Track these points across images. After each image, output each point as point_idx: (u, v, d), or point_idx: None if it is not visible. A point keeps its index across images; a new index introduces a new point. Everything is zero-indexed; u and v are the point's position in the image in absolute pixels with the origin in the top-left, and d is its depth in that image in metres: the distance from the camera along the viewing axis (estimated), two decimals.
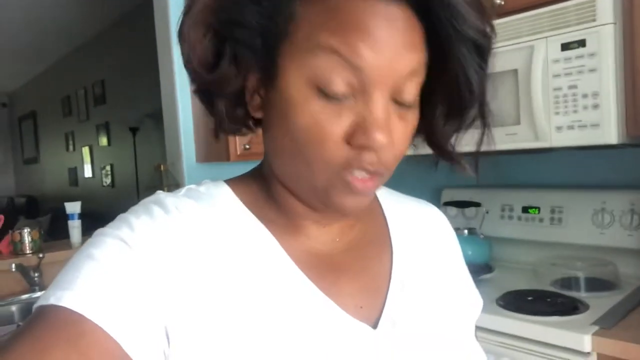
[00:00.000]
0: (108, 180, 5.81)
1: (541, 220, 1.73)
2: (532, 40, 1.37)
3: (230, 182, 0.55)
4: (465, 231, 1.78)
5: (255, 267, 0.48)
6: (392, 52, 0.42)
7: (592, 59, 1.28)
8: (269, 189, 0.53)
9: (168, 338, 0.43)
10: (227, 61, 0.47)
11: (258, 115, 0.50)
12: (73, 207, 2.30)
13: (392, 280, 0.55)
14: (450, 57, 0.45)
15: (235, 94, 0.50)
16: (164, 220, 0.47)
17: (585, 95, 1.30)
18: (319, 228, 0.54)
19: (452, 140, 0.52)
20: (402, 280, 0.55)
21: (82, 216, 2.34)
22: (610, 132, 1.28)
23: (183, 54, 0.49)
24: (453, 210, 1.91)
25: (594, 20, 1.27)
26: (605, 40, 1.26)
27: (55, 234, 3.10)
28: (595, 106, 1.28)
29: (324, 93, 0.43)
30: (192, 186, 0.54)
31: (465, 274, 0.65)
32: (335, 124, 0.43)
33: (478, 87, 0.47)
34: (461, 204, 1.90)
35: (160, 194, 0.51)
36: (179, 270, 0.45)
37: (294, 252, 0.51)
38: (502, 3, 1.46)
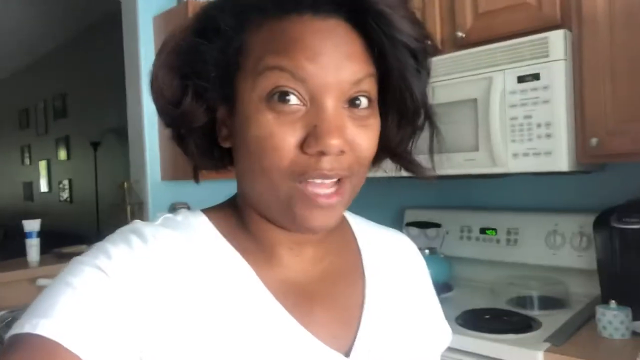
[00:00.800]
0: (65, 195, 5.65)
1: (498, 241, 1.82)
2: (491, 72, 1.46)
3: (207, 211, 0.56)
4: (427, 251, 1.83)
5: (232, 296, 0.49)
6: (333, 63, 0.45)
7: (545, 92, 1.37)
8: (244, 219, 0.55)
9: None
10: (190, 96, 0.50)
11: (226, 144, 0.52)
12: (31, 225, 2.23)
13: (364, 310, 0.56)
14: (390, 64, 0.48)
15: (204, 131, 0.53)
16: (142, 250, 0.48)
17: (539, 125, 1.39)
18: (293, 256, 0.55)
19: (408, 146, 0.56)
20: (375, 310, 0.57)
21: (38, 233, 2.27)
22: (562, 160, 1.37)
23: (154, 96, 0.52)
24: (415, 230, 1.98)
25: (546, 56, 1.36)
26: (557, 74, 1.36)
27: (8, 251, 2.98)
28: (548, 135, 1.37)
29: (275, 105, 0.45)
30: (169, 215, 0.55)
31: (435, 305, 0.67)
32: (289, 134, 0.45)
33: (418, 90, 0.50)
34: (423, 225, 1.96)
35: (137, 223, 0.52)
36: (156, 299, 0.46)
37: (269, 281, 0.52)
38: (464, 36, 1.55)
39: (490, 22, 1.52)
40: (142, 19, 2.45)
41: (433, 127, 0.54)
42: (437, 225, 1.94)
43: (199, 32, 0.50)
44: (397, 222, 2.10)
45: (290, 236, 0.53)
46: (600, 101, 1.32)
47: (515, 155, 1.43)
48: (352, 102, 0.47)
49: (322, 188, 0.46)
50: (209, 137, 0.53)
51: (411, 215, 2.07)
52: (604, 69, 1.31)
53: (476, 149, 1.50)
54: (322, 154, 0.45)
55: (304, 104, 0.46)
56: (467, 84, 1.49)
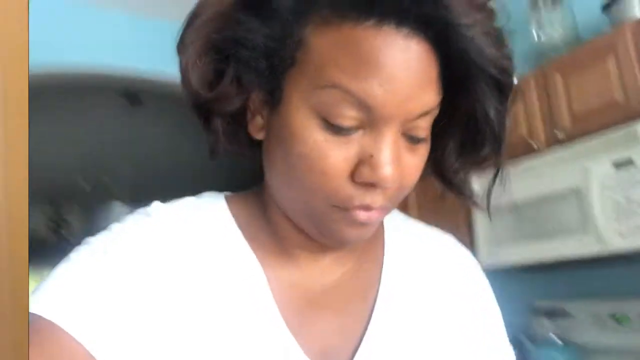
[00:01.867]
0: None
1: (631, 328, 1.79)
2: (589, 161, 1.63)
3: (230, 197, 0.54)
4: (559, 342, 1.88)
5: (230, 289, 0.47)
6: (405, 92, 0.39)
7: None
8: (266, 212, 0.51)
9: (132, 339, 0.43)
10: (228, 80, 0.44)
11: (259, 136, 0.47)
12: None
13: (370, 323, 0.50)
14: (468, 93, 0.43)
15: (234, 113, 0.47)
16: (147, 226, 0.48)
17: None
18: (311, 259, 0.51)
19: (462, 175, 0.50)
20: (383, 323, 0.50)
21: None
22: None
23: (181, 66, 0.46)
24: (545, 320, 2.02)
25: (638, 142, 1.52)
26: None
27: None
28: None
29: (330, 125, 0.40)
30: (191, 198, 0.53)
31: (492, 322, 0.58)
32: (339, 157, 0.41)
33: (497, 124, 0.44)
34: (552, 313, 2.01)
35: (154, 203, 0.51)
36: (151, 275, 0.45)
37: (276, 282, 0.49)
38: (563, 135, 1.75)
39: (586, 120, 1.71)
40: None
41: (499, 163, 0.48)
42: (567, 314, 1.97)
43: (246, 4, 0.42)
44: (527, 314, 2.15)
45: (314, 242, 0.49)
46: None
47: (621, 234, 1.53)
48: (411, 133, 0.43)
49: (362, 213, 0.44)
50: (233, 120, 0.48)
51: (542, 306, 2.12)
52: None
53: (584, 232, 1.62)
54: (372, 185, 0.42)
55: (361, 127, 0.41)
56: (568, 175, 1.67)
